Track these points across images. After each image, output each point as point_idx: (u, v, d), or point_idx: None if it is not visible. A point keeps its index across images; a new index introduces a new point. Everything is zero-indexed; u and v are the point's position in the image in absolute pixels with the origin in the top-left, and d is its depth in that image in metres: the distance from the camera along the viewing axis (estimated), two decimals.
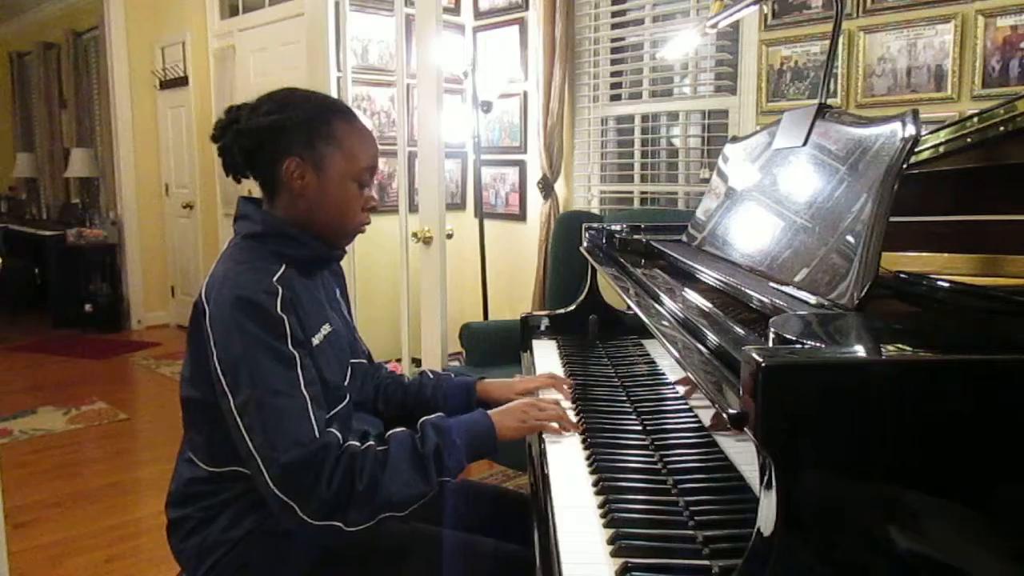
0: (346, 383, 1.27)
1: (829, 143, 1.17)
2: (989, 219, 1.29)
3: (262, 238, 1.19)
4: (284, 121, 1.18)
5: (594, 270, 1.94)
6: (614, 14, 3.51)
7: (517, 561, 1.18)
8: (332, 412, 1.19)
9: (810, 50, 2.73)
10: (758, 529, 0.68)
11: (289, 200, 1.21)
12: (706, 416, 1.07)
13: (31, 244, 6.28)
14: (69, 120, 6.48)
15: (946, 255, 1.29)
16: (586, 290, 1.97)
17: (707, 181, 2.10)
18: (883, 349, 0.73)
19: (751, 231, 1.33)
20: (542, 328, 1.98)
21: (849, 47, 2.59)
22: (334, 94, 3.04)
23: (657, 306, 1.23)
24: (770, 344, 0.74)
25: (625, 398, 1.43)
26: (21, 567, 2.29)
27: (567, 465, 1.15)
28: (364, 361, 1.43)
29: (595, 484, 1.06)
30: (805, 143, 1.24)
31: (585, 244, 2.03)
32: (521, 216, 3.95)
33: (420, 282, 2.77)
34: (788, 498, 0.65)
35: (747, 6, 1.64)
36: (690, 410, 1.20)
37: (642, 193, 3.55)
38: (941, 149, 1.17)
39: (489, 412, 1.24)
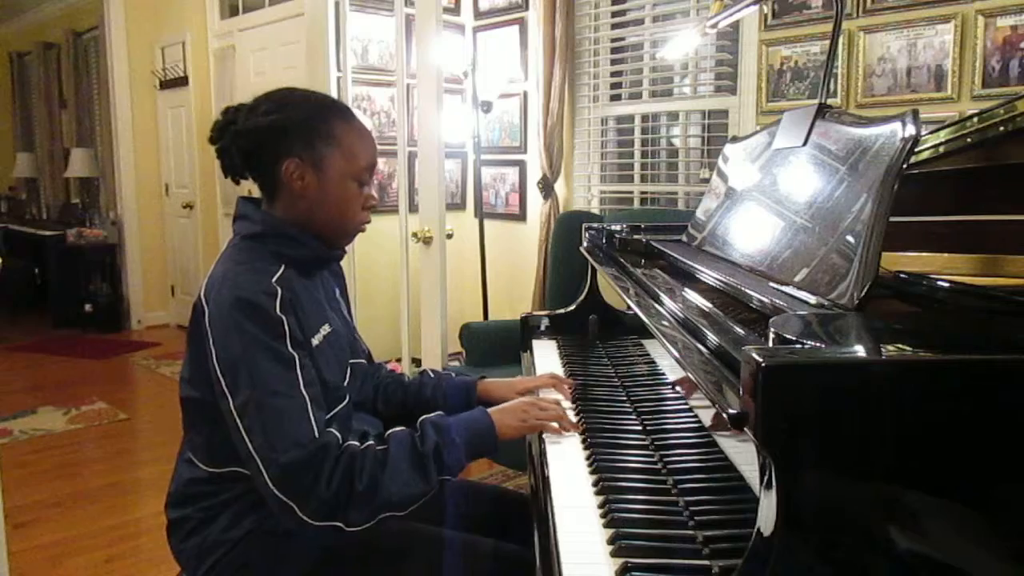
0: (345, 383, 1.27)
1: (829, 143, 1.17)
2: (989, 219, 1.29)
3: (261, 238, 1.19)
4: (283, 122, 1.18)
5: (594, 270, 1.94)
6: (614, 14, 3.51)
7: (517, 561, 1.18)
8: (332, 412, 1.19)
9: (810, 50, 2.73)
10: (758, 529, 0.68)
11: (289, 200, 1.21)
12: (706, 416, 1.07)
13: (31, 244, 6.28)
14: (69, 120, 6.48)
15: (946, 255, 1.29)
16: (586, 290, 1.97)
17: (707, 181, 2.10)
18: (883, 349, 0.73)
19: (751, 231, 1.33)
20: (542, 328, 1.98)
21: (849, 47, 2.59)
22: (334, 94, 3.04)
23: (657, 306, 1.23)
24: (770, 344, 0.74)
25: (625, 398, 1.43)
26: (21, 567, 2.29)
27: (567, 465, 1.14)
28: (364, 361, 1.43)
29: (595, 484, 1.06)
30: (805, 143, 1.24)
31: (585, 244, 2.03)
32: (521, 216, 3.95)
33: (420, 282, 2.77)
34: (788, 498, 0.65)
35: (747, 6, 1.64)
36: (690, 410, 1.20)
37: (642, 193, 3.55)
38: (941, 149, 1.17)
39: (489, 410, 1.24)
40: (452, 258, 3.09)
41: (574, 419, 1.31)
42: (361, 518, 1.06)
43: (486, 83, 3.67)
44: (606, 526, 0.95)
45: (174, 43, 5.50)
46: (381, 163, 3.83)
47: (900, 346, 0.74)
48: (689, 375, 0.90)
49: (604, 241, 2.00)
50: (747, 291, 1.07)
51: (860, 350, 0.75)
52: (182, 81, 5.46)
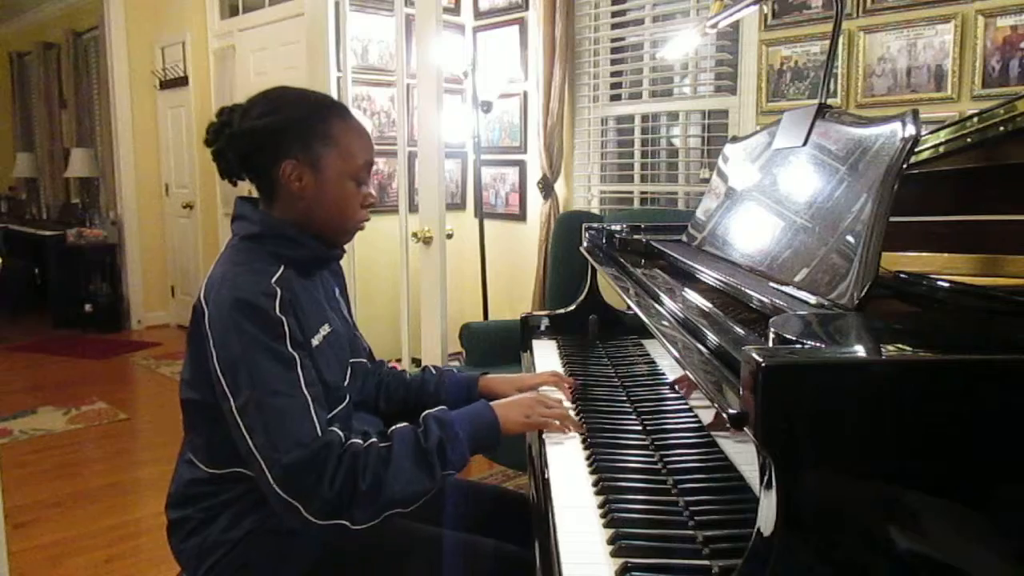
0: (346, 383, 1.27)
1: (829, 143, 1.17)
2: (989, 219, 1.29)
3: (260, 239, 1.19)
4: (279, 123, 1.17)
5: (594, 270, 1.94)
6: (614, 14, 3.51)
7: (517, 561, 1.18)
8: (332, 413, 1.19)
9: (810, 50, 2.73)
10: (758, 529, 0.68)
11: (287, 201, 1.20)
12: (706, 416, 1.07)
13: (31, 244, 6.28)
14: (69, 120, 6.48)
15: (946, 255, 1.29)
16: (586, 290, 1.97)
17: (707, 181, 2.10)
18: (883, 349, 0.73)
19: (751, 231, 1.33)
20: (542, 328, 1.98)
21: (849, 47, 2.59)
22: (334, 94, 3.05)
23: (657, 306, 1.23)
24: (770, 344, 0.74)
25: (625, 398, 1.43)
26: (21, 567, 2.29)
27: (567, 465, 1.14)
28: (364, 360, 1.43)
29: (595, 484, 1.06)
30: (805, 143, 1.24)
31: (585, 244, 2.03)
32: (521, 216, 3.95)
33: (420, 282, 2.77)
34: (788, 498, 0.65)
35: (747, 6, 1.64)
36: (690, 410, 1.20)
37: (642, 193, 3.55)
38: (941, 149, 1.17)
39: (493, 404, 1.23)
40: (452, 258, 3.09)
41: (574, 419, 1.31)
42: (366, 516, 1.05)
43: (486, 83, 3.67)
44: (606, 526, 0.95)
45: (174, 43, 5.50)
46: (381, 163, 3.83)
47: (900, 346, 0.74)
48: (689, 375, 0.90)
49: (604, 241, 2.00)
50: (747, 291, 1.07)
51: (860, 350, 0.75)
52: (182, 81, 5.46)
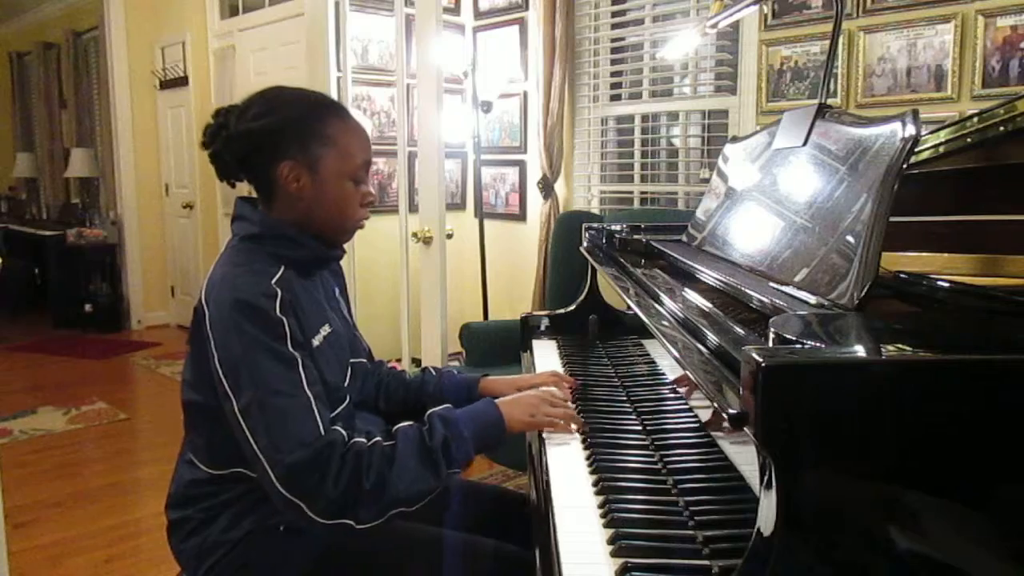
0: (346, 384, 1.27)
1: (829, 143, 1.17)
2: (989, 219, 1.29)
3: (259, 240, 1.19)
4: (276, 124, 1.17)
5: (594, 270, 1.94)
6: (614, 14, 3.51)
7: (517, 561, 1.18)
8: (335, 413, 1.18)
9: (810, 50, 2.73)
10: (758, 529, 0.68)
11: (286, 202, 1.20)
12: (706, 416, 1.07)
13: (31, 244, 6.28)
14: (69, 120, 6.47)
15: (946, 255, 1.29)
16: (586, 290, 1.97)
17: (707, 181, 2.10)
18: (883, 349, 0.73)
19: (751, 231, 1.33)
20: (542, 328, 1.98)
21: (849, 47, 2.59)
22: (334, 94, 3.05)
23: (657, 306, 1.23)
24: (770, 344, 0.74)
25: (625, 398, 1.43)
26: (21, 567, 2.29)
27: (567, 465, 1.14)
28: (364, 361, 1.43)
29: (595, 484, 1.06)
30: (805, 143, 1.24)
31: (585, 244, 2.03)
32: (521, 216, 3.95)
33: (420, 282, 2.77)
34: (788, 498, 0.65)
35: (747, 6, 1.64)
36: (690, 410, 1.20)
37: (642, 193, 3.55)
38: (941, 149, 1.17)
39: (498, 401, 1.22)
40: (452, 258, 3.09)
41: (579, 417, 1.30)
42: (370, 515, 1.05)
43: (486, 83, 3.67)
44: (606, 526, 0.95)
45: (174, 43, 5.50)
46: (381, 163, 3.83)
47: (900, 346, 0.74)
48: (689, 375, 0.90)
49: (604, 241, 2.00)
50: (747, 291, 1.07)
51: (860, 350, 0.75)
52: (182, 81, 5.46)
